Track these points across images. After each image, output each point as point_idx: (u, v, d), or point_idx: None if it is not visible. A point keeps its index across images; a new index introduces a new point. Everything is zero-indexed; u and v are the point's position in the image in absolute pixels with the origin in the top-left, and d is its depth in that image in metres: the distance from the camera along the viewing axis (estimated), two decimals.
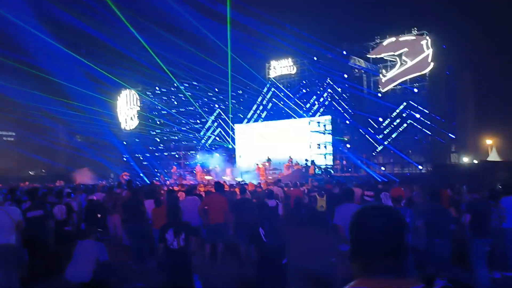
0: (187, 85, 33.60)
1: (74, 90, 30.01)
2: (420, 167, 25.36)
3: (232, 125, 32.67)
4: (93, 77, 29.56)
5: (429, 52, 24.96)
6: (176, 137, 36.41)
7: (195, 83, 33.40)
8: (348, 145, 27.73)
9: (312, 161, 24.78)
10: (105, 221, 10.94)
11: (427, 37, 25.19)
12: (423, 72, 25.31)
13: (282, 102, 30.90)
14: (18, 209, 6.91)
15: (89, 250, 6.24)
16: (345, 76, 28.23)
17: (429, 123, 25.52)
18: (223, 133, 33.84)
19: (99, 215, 10.58)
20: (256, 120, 32.14)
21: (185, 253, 5.40)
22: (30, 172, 40.29)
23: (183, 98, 34.34)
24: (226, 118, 33.31)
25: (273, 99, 31.51)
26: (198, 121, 35.01)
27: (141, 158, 35.94)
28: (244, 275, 7.46)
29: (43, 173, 39.98)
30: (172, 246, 5.37)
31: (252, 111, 32.49)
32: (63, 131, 37.34)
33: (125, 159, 35.68)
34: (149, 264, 8.37)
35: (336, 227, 6.21)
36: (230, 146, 32.74)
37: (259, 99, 32.13)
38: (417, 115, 25.72)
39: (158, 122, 36.51)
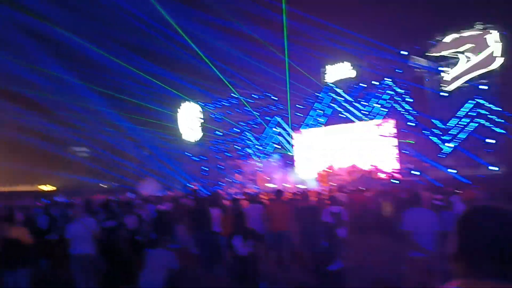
0: (246, 95, 34.17)
1: (141, 106, 31.63)
2: (493, 168, 23.75)
3: (291, 132, 32.68)
4: (156, 91, 30.98)
5: (495, 47, 23.53)
6: (237, 147, 37.00)
7: (254, 94, 33.89)
8: (413, 148, 26.64)
9: (376, 166, 24.10)
10: (173, 231, 11.32)
11: (492, 31, 23.76)
12: (490, 69, 23.86)
13: (341, 107, 30.43)
14: (94, 220, 7.36)
15: (160, 259, 6.49)
16: (406, 76, 27.28)
17: (502, 121, 23.88)
18: (282, 140, 33.91)
19: (168, 225, 10.96)
20: (315, 126, 31.89)
21: (252, 260, 5.46)
22: (102, 185, 42.75)
23: (244, 108, 34.89)
24: (286, 126, 33.38)
25: (332, 104, 31.12)
26: (258, 130, 35.38)
27: (204, 168, 36.92)
28: (309, 283, 7.38)
29: (113, 186, 42.25)
30: (240, 253, 5.45)
31: (311, 118, 32.30)
32: (131, 145, 39.31)
33: (190, 170, 36.83)
34: (218, 272, 8.53)
35: (404, 233, 5.99)
36: (290, 153, 32.70)
37: (318, 105, 31.89)
38: (488, 113, 24.18)
39: (219, 133, 37.34)
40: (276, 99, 33.27)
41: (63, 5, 27.24)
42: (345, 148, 27.10)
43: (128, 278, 7.39)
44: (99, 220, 7.92)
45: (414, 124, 26.84)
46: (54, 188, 40.58)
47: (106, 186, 42.65)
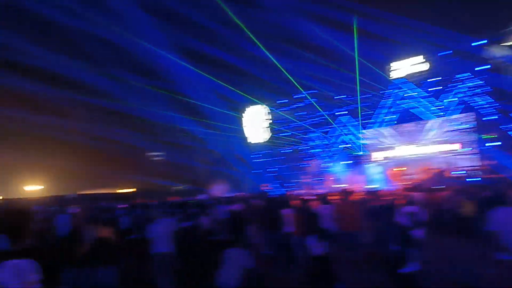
0: (313, 94, 33.93)
1: (209, 110, 32.64)
2: None
3: (361, 130, 31.90)
4: (224, 95, 31.79)
5: None
6: (305, 147, 36.83)
7: (322, 93, 33.56)
8: (496, 144, 24.81)
9: (454, 164, 22.80)
10: (245, 231, 11.53)
11: None
12: None
13: (414, 103, 29.13)
14: (173, 221, 7.73)
15: (236, 258, 6.64)
16: (484, 67, 25.48)
17: None
18: (352, 139, 33.21)
19: (240, 225, 11.19)
20: (386, 124, 30.84)
21: (327, 260, 5.44)
22: (176, 187, 44.64)
23: (312, 107, 34.66)
24: (355, 124, 32.65)
25: (404, 100, 29.91)
26: (327, 130, 34.97)
27: (272, 169, 37.21)
28: (383, 285, 7.17)
29: (187, 188, 43.92)
30: (314, 253, 5.45)
31: (381, 116, 31.29)
32: (201, 148, 40.66)
33: (257, 171, 37.33)
34: (292, 272, 8.56)
35: (490, 233, 5.63)
36: (360, 153, 31.93)
37: (389, 102, 30.81)
38: None
39: (287, 134, 37.41)
40: (345, 96, 32.65)
41: (135, 16, 28.88)
42: (418, 145, 25.89)
43: (204, 277, 7.67)
44: (176, 221, 8.28)
45: (495, 118, 25.01)
46: (133, 190, 43.05)
47: (180, 188, 44.43)
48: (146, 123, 35.55)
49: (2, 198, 33.65)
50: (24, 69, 32.65)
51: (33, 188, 37.68)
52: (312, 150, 36.36)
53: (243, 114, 39.52)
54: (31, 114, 33.86)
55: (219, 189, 31.81)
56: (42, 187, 37.76)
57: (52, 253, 2.96)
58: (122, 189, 43.97)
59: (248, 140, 39.40)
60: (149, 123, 35.33)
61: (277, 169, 36.81)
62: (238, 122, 39.19)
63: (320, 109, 33.52)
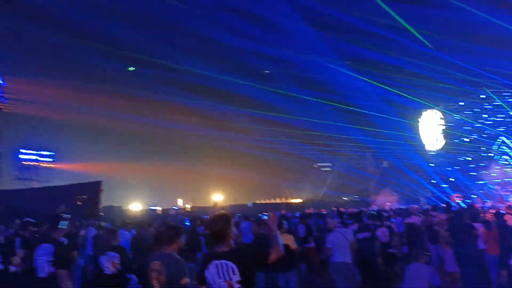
0: (496, 92, 29.89)
1: (377, 118, 31.65)
2: None
3: None
4: (393, 102, 30.43)
5: None
6: (491, 154, 32.51)
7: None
8: None
9: None
10: (424, 245, 10.69)
11: None
12: None
13: None
14: (350, 231, 7.64)
15: (420, 274, 6.21)
16: None
17: None
18: None
19: (418, 238, 10.43)
20: None
21: None
22: (344, 198, 44.34)
23: (498, 109, 30.54)
24: None
25: None
26: None
27: (451, 179, 33.84)
28: None
29: (355, 198, 43.25)
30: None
31: None
32: (371, 158, 39.62)
33: (434, 181, 34.44)
34: None
35: None
36: None
37: None
38: None
39: (466, 139, 33.67)
40: None
41: (300, 31, 30.00)
42: None
43: None
44: (352, 231, 8.16)
45: None
46: (301, 200, 44.37)
47: (347, 199, 44.03)
48: (315, 135, 36.40)
49: (192, 206, 38.52)
50: (208, 92, 37.17)
51: (217, 197, 42.01)
52: (499, 156, 31.88)
53: (418, 119, 37.08)
54: (215, 131, 38.27)
55: (389, 200, 30.41)
56: (222, 197, 41.82)
57: (248, 255, 3.22)
58: (292, 199, 45.70)
59: (426, 148, 36.68)
60: (318, 135, 36.07)
61: (457, 178, 33.30)
62: (411, 129, 36.93)
63: (508, 109, 29.22)
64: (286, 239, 6.82)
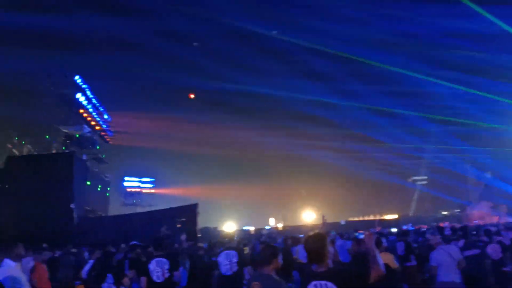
0: None
1: (478, 126, 29.55)
2: None
3: None
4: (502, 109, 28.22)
5: None
6: None
7: None
8: None
9: None
10: None
11: None
12: None
13: None
14: (457, 248, 7.19)
15: None
16: None
17: None
18: None
19: None
20: None
21: None
22: (444, 212, 41.38)
23: None
24: None
25: None
26: None
27: None
28: None
29: (456, 212, 40.20)
30: None
31: None
32: (472, 169, 36.79)
33: None
34: None
35: None
36: None
37: None
38: None
39: None
40: None
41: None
42: None
43: None
44: (459, 248, 7.67)
45: None
46: (396, 216, 42.32)
47: (447, 213, 41.08)
48: (409, 147, 34.94)
49: (284, 225, 38.64)
50: (297, 113, 37.48)
51: (308, 215, 41.78)
52: None
53: None
54: (305, 150, 38.42)
55: (495, 213, 27.85)
56: (314, 214, 41.46)
57: (348, 275, 3.17)
58: (386, 215, 43.80)
59: None
60: (411, 147, 34.57)
61: None
62: None
63: None
64: (386, 258, 6.58)
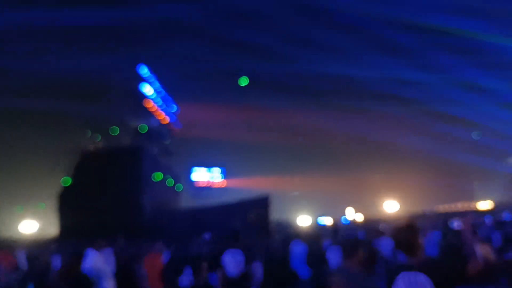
0: None
1: None
2: None
3: None
4: None
5: None
6: None
7: None
8: None
9: None
10: None
11: None
12: None
13: None
14: None
15: None
16: None
17: None
18: None
19: None
20: None
21: None
22: None
23: None
24: None
25: None
26: None
27: None
28: None
29: None
30: None
31: None
32: None
33: None
34: None
35: None
36: None
37: None
38: None
39: None
40: None
41: None
42: None
43: None
44: None
45: None
46: (491, 204, 38.09)
47: None
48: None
49: (365, 217, 36.09)
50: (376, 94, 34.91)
51: (389, 205, 39.01)
52: None
53: None
54: (383, 133, 35.75)
55: None
56: (398, 204, 38.63)
57: (442, 268, 2.85)
58: (479, 203, 39.56)
59: None
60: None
61: None
62: None
63: None
64: (483, 250, 5.20)
